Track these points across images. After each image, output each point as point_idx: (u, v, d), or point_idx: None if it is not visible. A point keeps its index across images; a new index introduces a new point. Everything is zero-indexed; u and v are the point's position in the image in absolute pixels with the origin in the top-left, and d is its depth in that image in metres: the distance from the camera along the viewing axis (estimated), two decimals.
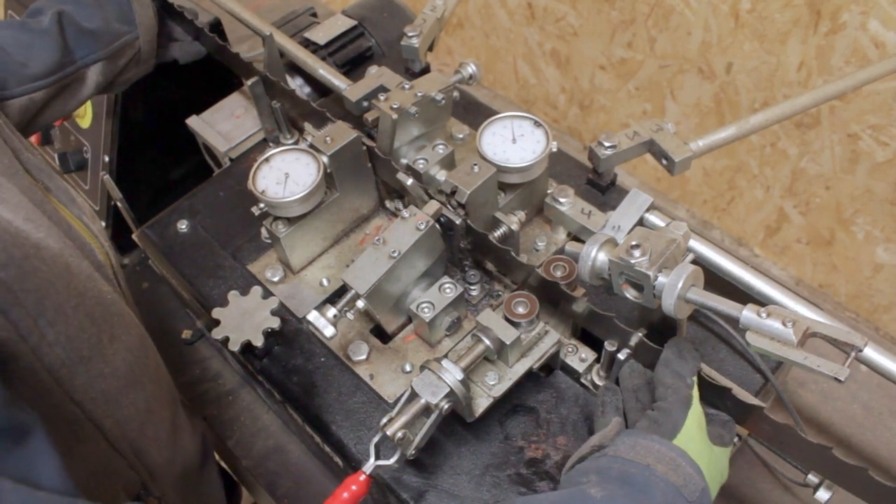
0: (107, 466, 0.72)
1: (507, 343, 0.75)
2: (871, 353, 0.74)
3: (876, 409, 1.04)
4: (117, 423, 0.72)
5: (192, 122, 1.14)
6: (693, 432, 0.67)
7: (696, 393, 0.70)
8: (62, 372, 0.64)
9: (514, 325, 0.76)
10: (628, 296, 0.70)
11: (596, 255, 0.71)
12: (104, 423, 0.70)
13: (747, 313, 0.62)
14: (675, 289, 0.64)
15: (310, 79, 1.18)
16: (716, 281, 0.85)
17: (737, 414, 0.72)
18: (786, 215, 2.05)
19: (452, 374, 0.71)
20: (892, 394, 1.05)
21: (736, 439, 0.76)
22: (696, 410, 0.68)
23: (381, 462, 0.73)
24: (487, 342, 0.76)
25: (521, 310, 0.77)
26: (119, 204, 1.02)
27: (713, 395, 0.72)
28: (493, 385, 0.78)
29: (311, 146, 0.90)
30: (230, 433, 1.10)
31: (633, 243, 0.67)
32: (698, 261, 0.85)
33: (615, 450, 0.66)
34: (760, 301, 0.82)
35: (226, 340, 0.83)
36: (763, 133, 1.88)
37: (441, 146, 0.93)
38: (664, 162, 0.94)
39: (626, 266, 0.67)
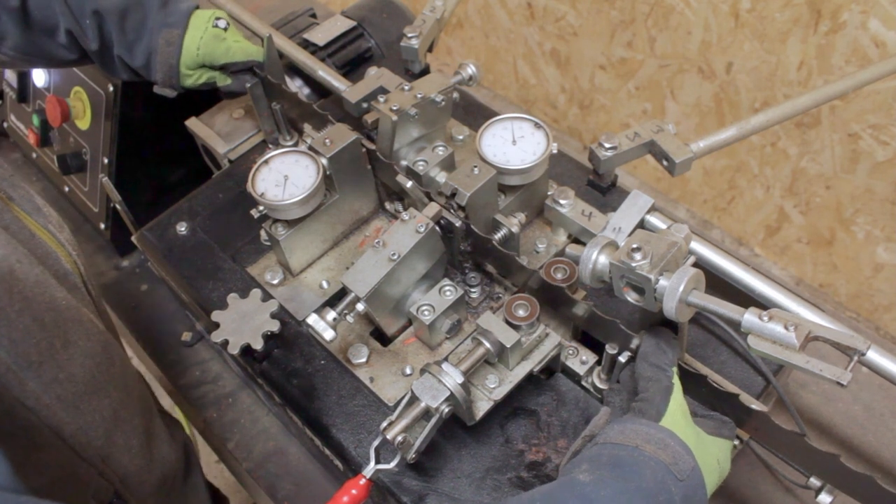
0: (72, 474, 0.71)
1: (508, 346, 0.75)
2: (872, 355, 0.74)
3: (878, 410, 1.04)
4: (81, 430, 0.71)
5: (191, 123, 1.14)
6: (677, 418, 0.68)
7: (677, 382, 0.70)
8: (9, 377, 0.64)
9: (515, 327, 0.76)
10: (629, 299, 0.69)
11: (597, 258, 0.71)
12: (64, 430, 0.69)
13: (749, 317, 0.62)
14: (676, 292, 0.64)
15: (309, 80, 1.17)
16: (717, 283, 0.84)
17: (739, 418, 0.72)
18: (786, 215, 2.05)
19: (452, 377, 0.71)
20: (893, 395, 1.04)
21: (737, 442, 0.76)
22: (677, 398, 0.69)
23: (381, 466, 0.73)
24: (488, 345, 0.76)
25: (521, 312, 0.77)
26: (118, 206, 1.01)
27: (718, 401, 0.72)
28: (493, 388, 0.78)
29: (311, 148, 0.90)
30: (230, 435, 1.10)
31: (634, 246, 0.66)
32: (699, 263, 0.84)
33: (605, 437, 0.67)
34: (762, 303, 0.81)
35: (225, 343, 0.82)
36: (763, 133, 1.88)
37: (441, 148, 0.93)
38: (665, 163, 0.93)
39: (627, 269, 0.67)
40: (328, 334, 0.78)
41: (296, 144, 0.94)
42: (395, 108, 0.91)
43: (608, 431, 0.68)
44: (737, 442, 0.76)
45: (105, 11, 0.94)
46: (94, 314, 0.81)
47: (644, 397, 0.69)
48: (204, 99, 1.14)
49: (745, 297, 0.82)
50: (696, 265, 0.68)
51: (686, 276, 0.64)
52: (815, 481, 0.75)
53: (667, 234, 0.71)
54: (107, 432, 0.74)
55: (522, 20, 2.32)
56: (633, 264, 0.66)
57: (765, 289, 0.81)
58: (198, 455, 1.01)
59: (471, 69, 1.03)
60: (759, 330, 0.61)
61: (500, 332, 0.76)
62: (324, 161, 0.89)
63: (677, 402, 0.69)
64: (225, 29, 0.99)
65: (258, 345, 0.82)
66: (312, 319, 0.78)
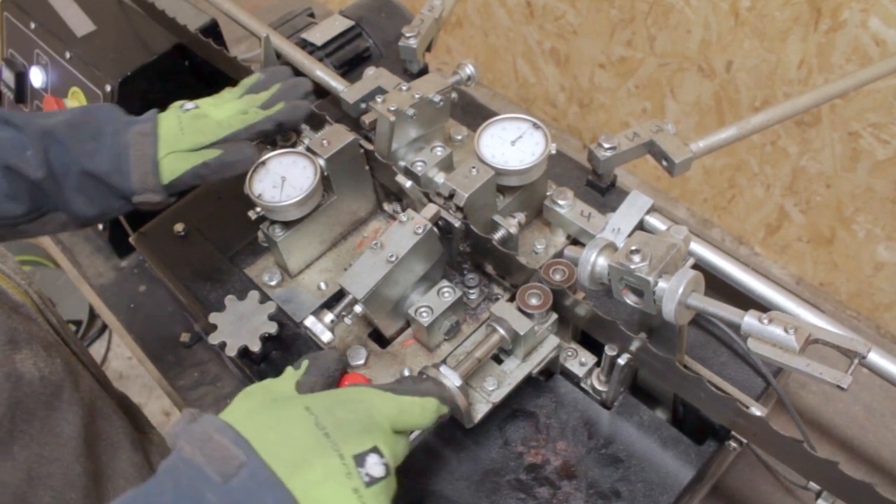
0: None
1: (521, 334, 0.75)
2: (872, 356, 0.74)
3: (878, 410, 1.04)
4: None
5: None
6: (238, 405, 0.59)
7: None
8: None
9: (528, 316, 0.76)
10: (628, 301, 0.69)
11: (595, 260, 0.70)
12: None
13: (749, 320, 0.61)
14: (675, 295, 0.64)
15: None
16: (717, 284, 0.84)
17: (737, 422, 0.71)
18: (786, 214, 2.05)
19: (451, 380, 0.71)
20: (894, 396, 1.04)
21: (736, 445, 0.76)
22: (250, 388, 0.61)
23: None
24: (502, 332, 0.76)
25: (534, 301, 0.77)
26: None
27: (716, 404, 0.71)
28: (492, 391, 0.77)
29: (308, 149, 0.89)
30: None
31: (633, 248, 0.66)
32: (699, 264, 0.84)
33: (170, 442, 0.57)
34: (762, 305, 0.81)
35: (223, 345, 0.82)
36: (763, 132, 1.87)
37: (439, 148, 0.92)
38: (664, 163, 0.93)
39: (626, 271, 0.66)
40: (326, 336, 0.78)
41: (293, 145, 0.94)
42: (392, 108, 0.91)
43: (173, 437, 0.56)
44: (735, 445, 0.76)
45: (52, 128, 0.78)
46: (55, 343, 0.78)
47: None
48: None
49: (745, 299, 0.82)
50: (695, 267, 0.68)
51: (685, 279, 0.64)
52: (815, 483, 0.75)
53: (666, 235, 0.70)
54: (17, 498, 0.68)
55: (522, 19, 2.31)
56: (632, 266, 0.66)
57: (765, 290, 0.81)
58: None
59: (469, 69, 1.02)
60: (759, 333, 0.61)
61: (514, 319, 0.76)
62: (321, 162, 0.88)
63: (246, 393, 0.60)
64: (197, 107, 0.84)
65: (256, 347, 0.82)
66: (310, 321, 0.78)
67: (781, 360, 0.60)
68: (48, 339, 0.77)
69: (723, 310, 0.64)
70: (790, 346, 0.59)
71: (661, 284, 0.65)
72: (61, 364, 0.75)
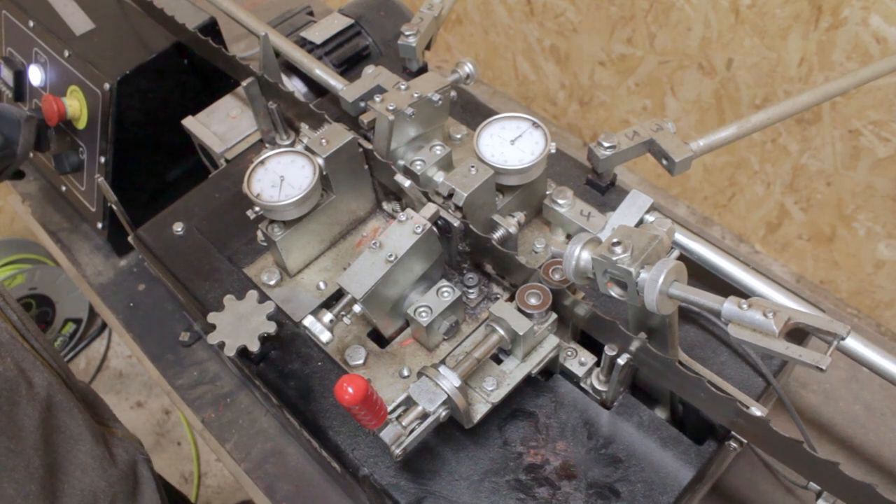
0: None
1: (521, 334, 0.75)
2: (873, 356, 0.74)
3: (878, 409, 1.03)
4: None
5: (188, 122, 1.13)
6: None
7: None
8: None
9: (527, 316, 0.76)
10: (613, 294, 0.69)
11: (580, 254, 0.70)
12: None
13: (728, 305, 0.62)
14: (656, 284, 0.63)
15: (306, 79, 1.17)
16: (710, 279, 0.84)
17: (736, 422, 0.71)
18: (787, 212, 2.04)
19: (450, 380, 0.70)
20: (894, 394, 1.04)
21: (736, 445, 0.76)
22: None
23: None
24: (501, 332, 0.76)
25: (533, 301, 0.77)
26: (114, 207, 1.01)
27: (715, 404, 0.71)
28: (491, 391, 0.77)
29: (307, 148, 0.89)
30: (228, 436, 1.09)
31: (615, 240, 0.66)
32: (690, 258, 0.84)
33: None
34: (747, 294, 0.81)
35: (221, 345, 0.82)
36: (764, 129, 1.87)
37: (438, 147, 0.92)
38: (664, 162, 0.93)
39: (609, 263, 0.66)
40: (324, 336, 0.77)
41: (292, 144, 0.93)
42: (391, 107, 0.90)
43: None
44: (735, 445, 0.76)
45: None
46: (7, 342, 0.81)
47: None
48: (200, 99, 1.14)
49: (738, 294, 0.82)
50: (689, 262, 0.68)
51: (665, 268, 0.64)
52: (816, 484, 0.74)
53: (648, 227, 0.70)
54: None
55: (522, 16, 2.31)
56: (614, 258, 0.65)
57: (754, 282, 0.82)
58: (153, 473, 0.99)
59: (468, 67, 1.02)
60: (739, 318, 0.62)
61: (513, 319, 0.76)
62: (320, 161, 0.88)
63: None
64: None
65: (254, 347, 0.82)
66: (309, 321, 0.78)
67: (761, 345, 0.61)
68: (1, 338, 0.80)
69: (704, 298, 0.64)
70: (769, 330, 0.60)
71: (643, 275, 0.65)
72: (12, 363, 0.80)
